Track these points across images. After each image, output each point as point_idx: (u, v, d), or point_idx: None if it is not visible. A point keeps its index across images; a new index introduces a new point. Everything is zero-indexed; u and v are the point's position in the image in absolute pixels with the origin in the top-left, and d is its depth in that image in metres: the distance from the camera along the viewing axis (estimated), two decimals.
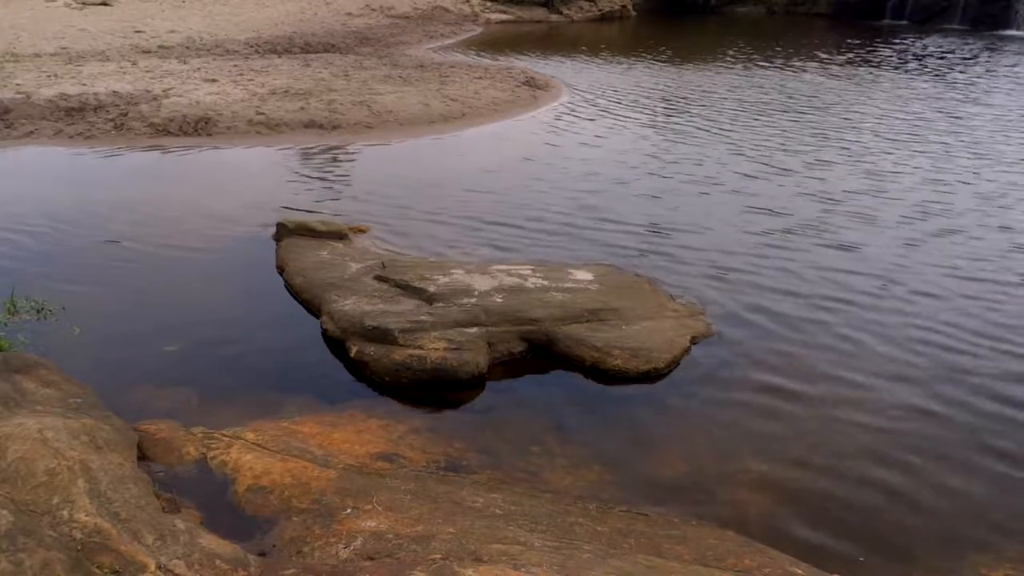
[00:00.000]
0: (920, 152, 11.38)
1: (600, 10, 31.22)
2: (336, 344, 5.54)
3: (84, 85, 13.59)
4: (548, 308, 5.73)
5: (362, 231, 7.81)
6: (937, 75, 18.54)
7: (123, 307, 6.20)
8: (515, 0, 29.97)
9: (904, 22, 31.19)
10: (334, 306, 5.76)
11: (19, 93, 12.76)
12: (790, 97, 15.53)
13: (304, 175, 9.94)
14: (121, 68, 15.34)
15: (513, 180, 9.80)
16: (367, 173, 10.15)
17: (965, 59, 21.39)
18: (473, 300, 5.78)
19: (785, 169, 10.36)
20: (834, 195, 9.30)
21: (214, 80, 14.38)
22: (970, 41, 25.56)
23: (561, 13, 30.21)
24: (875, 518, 4.02)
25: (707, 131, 12.53)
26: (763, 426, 4.79)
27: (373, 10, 27.35)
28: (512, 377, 5.32)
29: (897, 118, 13.72)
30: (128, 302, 6.29)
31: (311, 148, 11.17)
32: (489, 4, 29.79)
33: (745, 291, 6.63)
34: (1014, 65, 20.59)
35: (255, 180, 9.67)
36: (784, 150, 11.36)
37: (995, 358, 5.62)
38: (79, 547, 2.71)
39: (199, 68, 15.62)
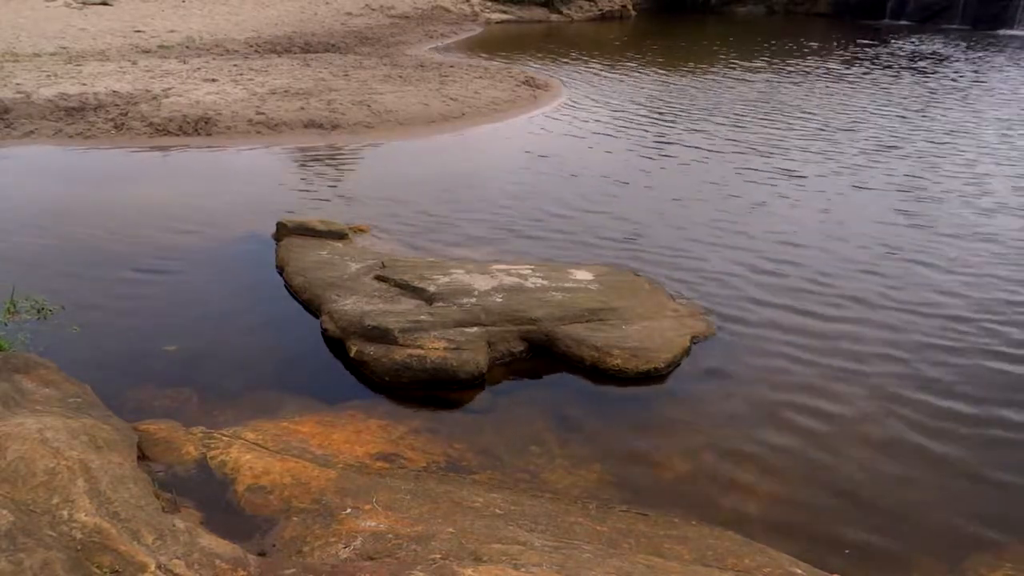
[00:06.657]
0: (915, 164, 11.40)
1: (600, 10, 31.22)
2: (336, 344, 5.54)
3: (84, 85, 13.58)
4: (548, 308, 5.72)
5: (362, 231, 7.81)
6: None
7: (123, 306, 6.19)
8: (515, 0, 29.96)
9: (904, 22, 31.21)
10: (334, 306, 5.76)
11: (19, 93, 12.75)
12: (789, 98, 15.53)
13: (304, 174, 9.94)
14: (121, 68, 15.33)
15: (513, 179, 9.80)
16: (367, 173, 10.15)
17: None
18: (473, 300, 5.78)
19: (788, 170, 10.36)
20: (835, 195, 9.31)
21: (214, 80, 14.37)
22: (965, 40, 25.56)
23: (561, 13, 30.20)
24: (875, 517, 4.02)
25: (707, 131, 12.52)
26: (763, 426, 4.78)
27: (373, 10, 27.35)
28: (512, 377, 5.31)
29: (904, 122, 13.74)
30: (128, 301, 6.28)
31: (311, 148, 11.16)
32: (489, 4, 29.78)
33: (747, 291, 6.63)
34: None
35: (255, 179, 9.67)
36: (786, 150, 11.35)
37: (1003, 362, 5.62)
38: (79, 547, 2.71)
39: (199, 68, 15.61)
